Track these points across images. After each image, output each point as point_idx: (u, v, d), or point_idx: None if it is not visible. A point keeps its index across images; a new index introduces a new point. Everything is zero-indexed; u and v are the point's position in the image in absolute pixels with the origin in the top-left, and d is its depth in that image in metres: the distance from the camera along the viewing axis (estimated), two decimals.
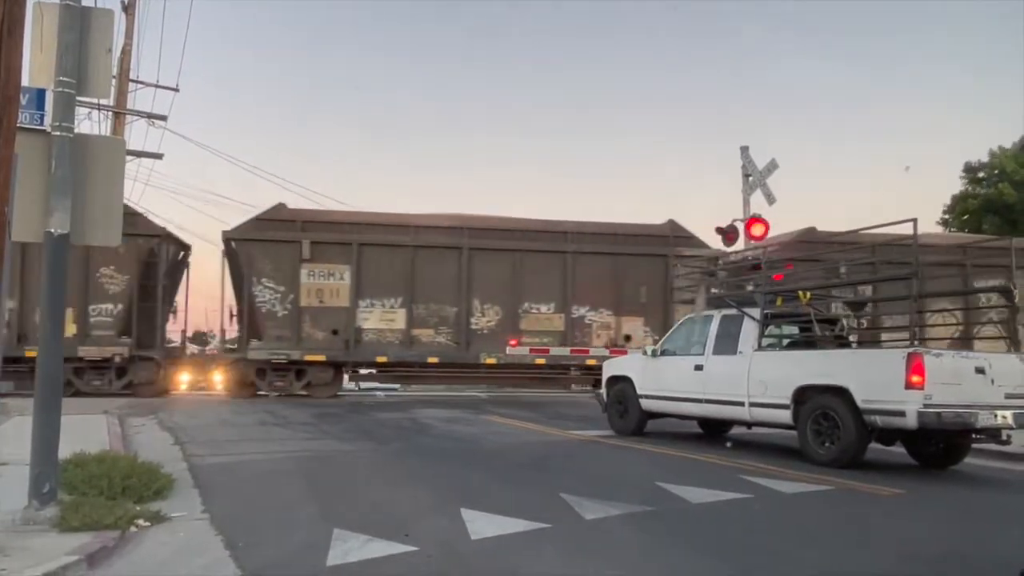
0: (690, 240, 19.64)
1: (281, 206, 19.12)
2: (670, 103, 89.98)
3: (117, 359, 17.87)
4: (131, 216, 17.69)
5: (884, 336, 12.15)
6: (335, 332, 18.46)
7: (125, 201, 18.88)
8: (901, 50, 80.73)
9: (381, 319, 18.76)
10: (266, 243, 18.32)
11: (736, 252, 16.47)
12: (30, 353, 15.97)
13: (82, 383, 17.74)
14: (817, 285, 10.47)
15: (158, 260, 18.72)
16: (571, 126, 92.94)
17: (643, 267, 19.19)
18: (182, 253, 20.62)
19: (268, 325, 18.28)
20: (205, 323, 26.30)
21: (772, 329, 10.55)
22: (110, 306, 17.94)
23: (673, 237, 19.65)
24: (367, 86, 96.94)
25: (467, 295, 18.85)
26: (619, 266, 19.25)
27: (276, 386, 18.47)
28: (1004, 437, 8.61)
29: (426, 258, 18.86)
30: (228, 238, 18.62)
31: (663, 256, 19.19)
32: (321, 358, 18.44)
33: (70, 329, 17.25)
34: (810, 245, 15.89)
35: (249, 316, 18.40)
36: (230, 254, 18.61)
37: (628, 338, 19.04)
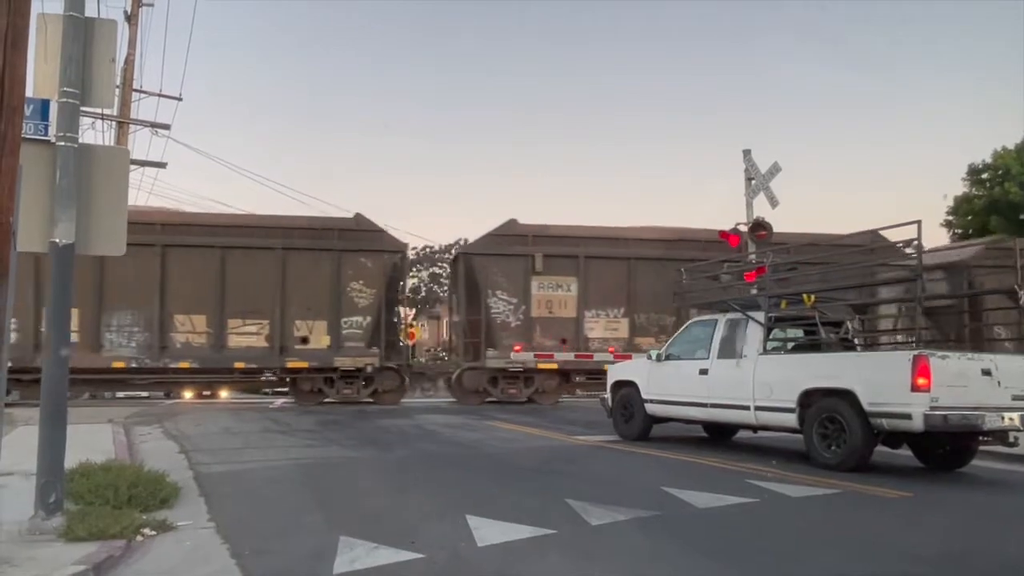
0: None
1: (513, 222, 19.90)
2: (671, 107, 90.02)
3: (368, 368, 18.79)
4: (377, 233, 19.35)
5: (890, 338, 12.13)
6: (563, 341, 19.30)
7: (370, 218, 19.29)
8: (903, 54, 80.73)
9: (606, 328, 19.54)
10: (501, 257, 19.20)
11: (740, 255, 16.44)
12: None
13: (333, 391, 18.84)
14: (821, 288, 10.44)
15: (400, 274, 19.77)
16: (578, 130, 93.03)
17: None
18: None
19: (502, 335, 19.12)
20: None
21: (777, 332, 10.54)
22: (359, 319, 18.96)
23: None
24: (369, 91, 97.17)
25: None
26: None
27: (508, 393, 19.33)
28: (1011, 439, 8.59)
29: (641, 269, 19.50)
30: (464, 253, 20.00)
31: None
32: (553, 366, 19.23)
33: (324, 341, 18.52)
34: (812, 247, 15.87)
35: (486, 326, 19.16)
36: (466, 268, 19.58)
37: None
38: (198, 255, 18.06)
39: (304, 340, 18.60)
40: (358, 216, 19.55)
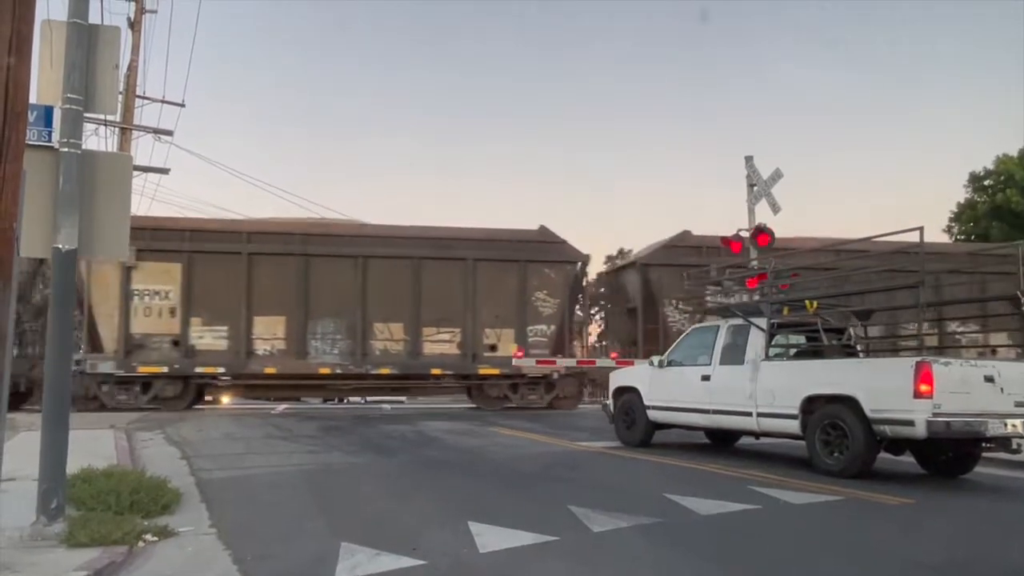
0: None
1: (687, 233, 20.29)
2: (673, 113, 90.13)
3: (555, 375, 19.30)
4: (559, 244, 19.88)
5: (893, 344, 12.13)
6: None
7: (552, 229, 20.03)
8: (904, 59, 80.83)
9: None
10: (676, 267, 19.10)
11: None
12: None
13: (516, 397, 19.35)
14: (824, 295, 10.44)
15: (579, 283, 20.41)
16: (577, 136, 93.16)
17: None
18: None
19: None
20: None
21: (779, 339, 10.53)
22: (544, 327, 19.61)
23: None
24: (371, 95, 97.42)
25: None
26: None
27: None
28: (1014, 446, 8.57)
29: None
30: (642, 263, 20.42)
31: None
32: None
33: (511, 348, 19.06)
34: (815, 253, 15.92)
35: (663, 335, 19.33)
36: (643, 279, 20.08)
37: None
38: (394, 265, 18.83)
39: (492, 347, 19.28)
40: (542, 228, 20.00)
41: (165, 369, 17.89)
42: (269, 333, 18.40)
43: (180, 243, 18.21)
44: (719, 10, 78.47)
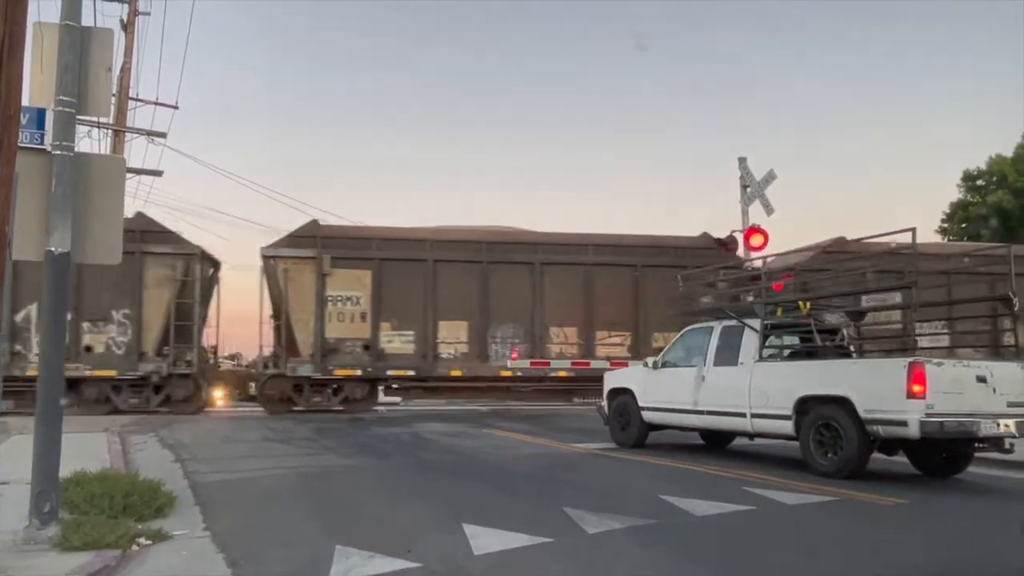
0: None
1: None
2: (666, 115, 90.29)
3: None
4: (717, 249, 19.28)
5: (883, 345, 12.16)
6: None
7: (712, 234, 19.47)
8: (898, 61, 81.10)
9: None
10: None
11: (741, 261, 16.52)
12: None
13: None
14: (816, 295, 10.47)
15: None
16: (578, 138, 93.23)
17: None
18: None
19: None
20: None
21: (773, 340, 10.56)
22: None
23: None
24: (366, 99, 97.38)
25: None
26: None
27: None
28: (1007, 446, 8.61)
29: None
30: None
31: None
32: None
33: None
34: (804, 254, 15.98)
35: None
36: None
37: None
38: (569, 272, 19.21)
39: (659, 351, 19.09)
40: (704, 235, 19.92)
41: (358, 372, 18.57)
42: (453, 337, 18.82)
43: (370, 251, 18.92)
44: (708, 9, 78.65)
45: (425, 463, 10.11)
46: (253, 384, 20.34)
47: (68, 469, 6.38)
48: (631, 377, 12.19)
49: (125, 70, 22.31)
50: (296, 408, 18.57)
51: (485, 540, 5.47)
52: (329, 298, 18.61)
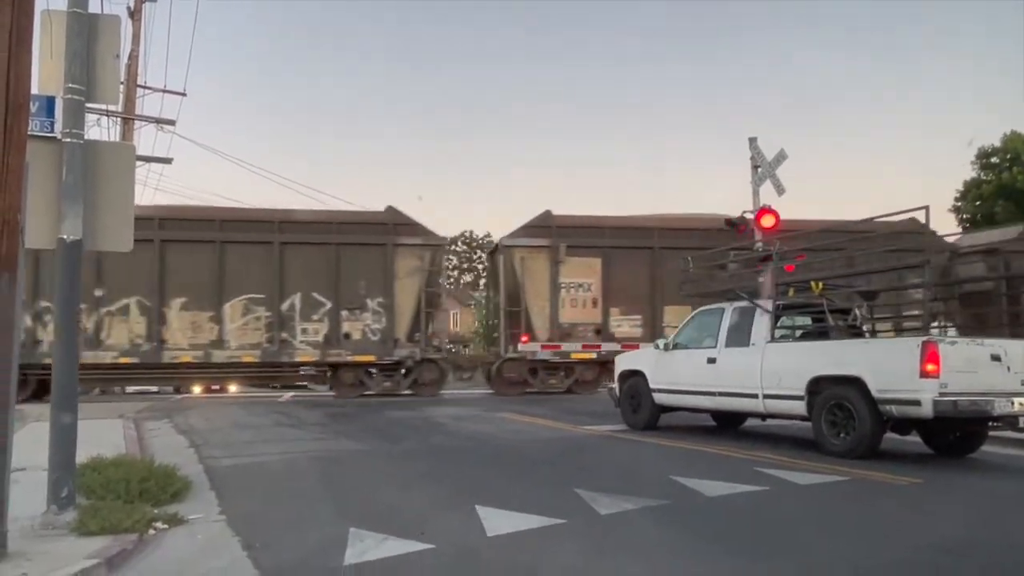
0: None
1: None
2: (678, 95, 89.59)
3: None
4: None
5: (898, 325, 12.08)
6: None
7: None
8: (913, 37, 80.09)
9: None
10: None
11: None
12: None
13: None
14: (829, 275, 10.41)
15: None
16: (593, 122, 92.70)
17: None
18: None
19: None
20: None
21: (785, 320, 10.52)
22: None
23: None
24: (372, 85, 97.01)
25: None
26: None
27: None
28: (1021, 424, 8.57)
29: None
30: None
31: None
32: None
33: None
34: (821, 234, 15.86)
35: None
36: None
37: None
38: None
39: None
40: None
41: (593, 355, 19.71)
42: (677, 321, 18.92)
43: (598, 239, 19.91)
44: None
45: (437, 447, 10.15)
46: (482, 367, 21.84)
47: (84, 455, 6.44)
48: (642, 359, 12.19)
49: (133, 58, 22.30)
50: (530, 390, 19.73)
51: (498, 522, 5.50)
52: (562, 285, 19.74)
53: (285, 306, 18.68)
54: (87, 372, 17.99)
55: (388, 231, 19.14)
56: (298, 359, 18.80)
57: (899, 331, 10.90)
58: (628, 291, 19.92)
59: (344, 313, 18.88)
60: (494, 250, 21.98)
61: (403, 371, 19.35)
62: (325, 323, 18.91)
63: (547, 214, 20.29)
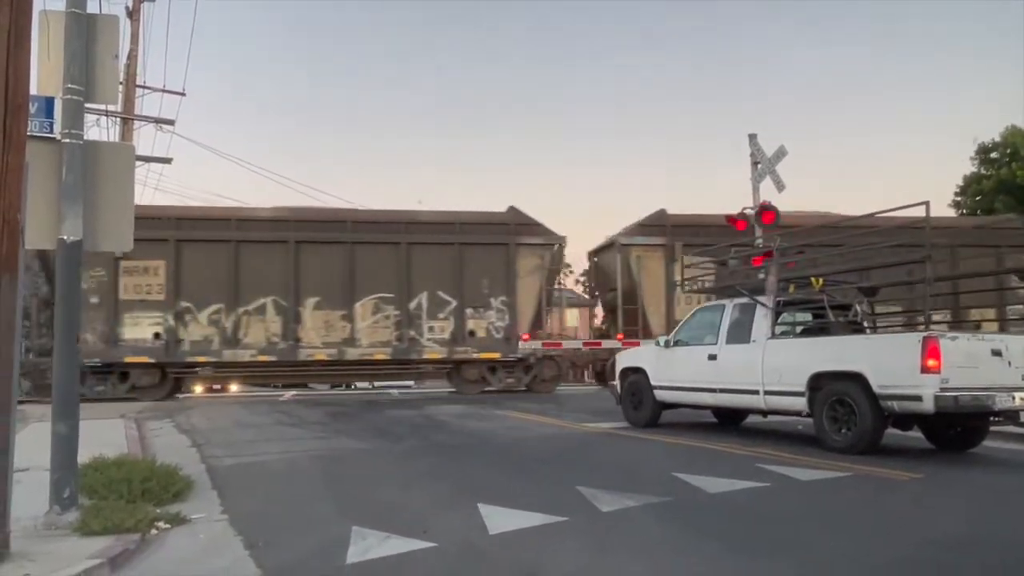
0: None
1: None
2: (677, 91, 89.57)
3: None
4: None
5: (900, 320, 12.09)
6: None
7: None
8: (911, 32, 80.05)
9: None
10: None
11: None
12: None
13: None
14: (829, 271, 10.41)
15: None
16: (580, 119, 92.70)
17: None
18: None
19: None
20: None
21: (785, 316, 10.51)
22: None
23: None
24: (374, 85, 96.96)
25: None
26: None
27: None
28: (1022, 419, 8.56)
29: None
30: None
31: None
32: None
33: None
34: (822, 230, 15.87)
35: None
36: None
37: None
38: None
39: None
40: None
41: None
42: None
43: (715, 238, 19.67)
44: None
45: (439, 445, 10.15)
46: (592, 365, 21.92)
47: (86, 455, 6.44)
48: (643, 356, 12.18)
49: (132, 58, 22.31)
50: None
51: (500, 520, 5.50)
52: (676, 283, 19.53)
53: (413, 305, 19.20)
54: (227, 370, 18.94)
55: (510, 231, 19.56)
56: (426, 356, 19.23)
57: (901, 326, 10.90)
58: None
59: (469, 311, 19.33)
60: (602, 248, 22.13)
61: (523, 367, 19.74)
62: (451, 321, 19.31)
63: (662, 212, 20.48)
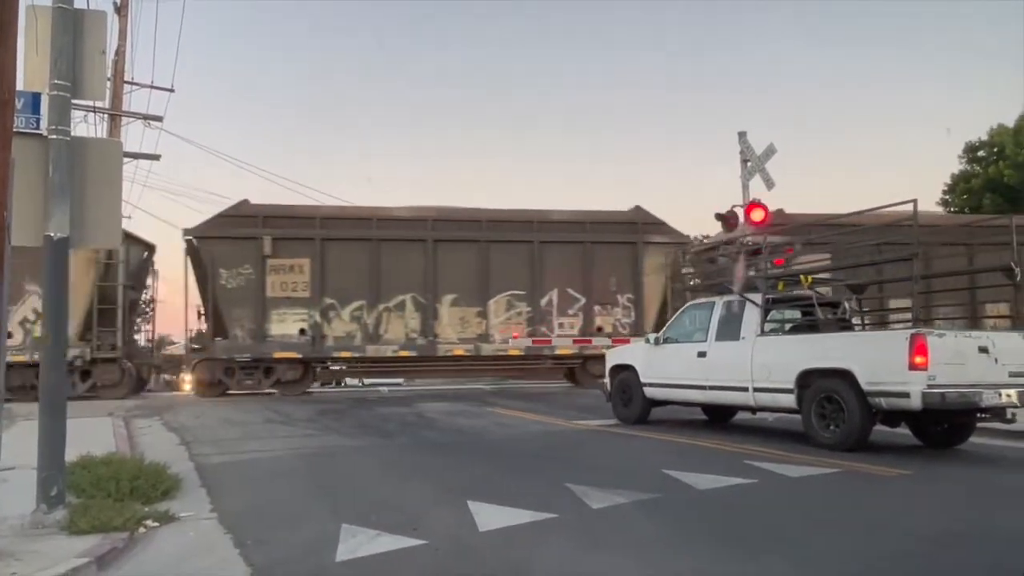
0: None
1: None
2: (666, 90, 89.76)
3: None
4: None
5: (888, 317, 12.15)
6: None
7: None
8: (900, 32, 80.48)
9: None
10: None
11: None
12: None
13: None
14: (818, 268, 10.45)
15: None
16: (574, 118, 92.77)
17: None
18: None
19: None
20: None
21: (774, 314, 10.55)
22: None
23: None
24: (361, 81, 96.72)
25: None
26: None
27: None
28: (1009, 416, 8.61)
29: None
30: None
31: None
32: None
33: None
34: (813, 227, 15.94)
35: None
36: None
37: None
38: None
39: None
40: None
41: None
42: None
43: (829, 235, 19.52)
44: None
45: (429, 442, 10.15)
46: None
47: (74, 453, 6.41)
48: (633, 353, 12.20)
49: (120, 53, 22.16)
50: None
51: (490, 517, 5.51)
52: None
53: (544, 301, 19.49)
54: (369, 365, 19.29)
55: (636, 230, 19.74)
56: (557, 352, 19.50)
57: (888, 323, 10.96)
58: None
59: (596, 308, 19.60)
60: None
61: None
62: (579, 317, 19.56)
63: (779, 212, 20.01)
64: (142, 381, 20.66)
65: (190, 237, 18.24)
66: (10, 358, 17.14)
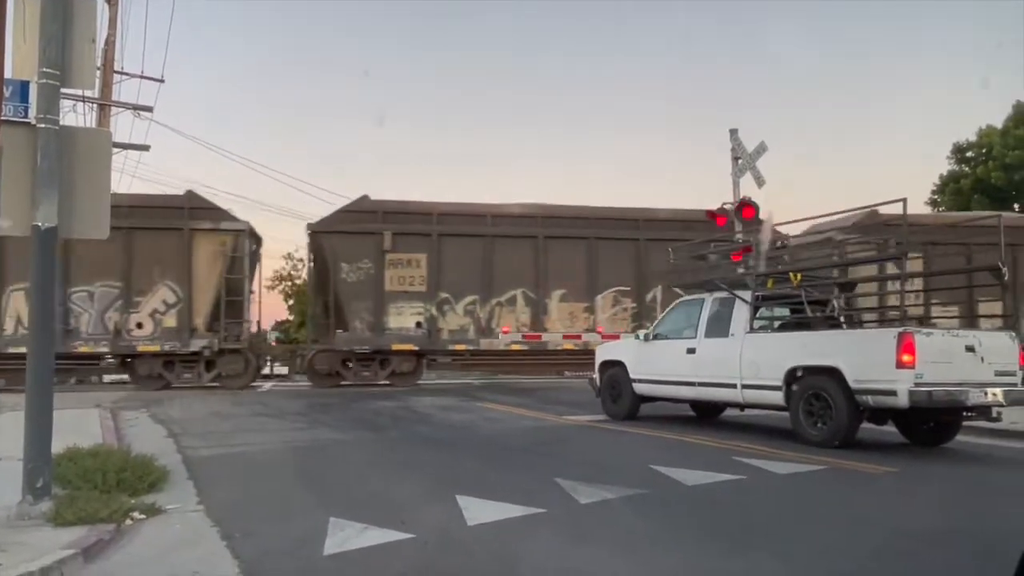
0: None
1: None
2: (659, 85, 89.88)
3: None
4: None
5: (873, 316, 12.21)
6: None
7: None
8: (891, 32, 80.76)
9: None
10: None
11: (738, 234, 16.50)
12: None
13: None
14: (807, 267, 10.49)
15: None
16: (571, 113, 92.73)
17: None
18: None
19: None
20: None
21: (764, 311, 10.59)
22: None
23: None
24: (354, 72, 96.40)
25: None
26: None
27: None
28: (994, 414, 8.68)
29: None
30: None
31: None
32: None
33: None
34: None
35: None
36: None
37: None
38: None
39: None
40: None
41: None
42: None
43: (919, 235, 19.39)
44: None
45: (419, 436, 10.14)
46: None
47: (61, 445, 6.37)
48: (622, 350, 12.23)
49: (109, 43, 21.99)
50: None
51: (478, 511, 5.51)
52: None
53: (648, 297, 19.76)
54: (481, 358, 19.66)
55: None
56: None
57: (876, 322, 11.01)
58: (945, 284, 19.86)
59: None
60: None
61: None
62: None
63: (874, 212, 20.24)
64: (258, 370, 20.71)
65: (313, 231, 18.62)
66: (139, 348, 17.80)
